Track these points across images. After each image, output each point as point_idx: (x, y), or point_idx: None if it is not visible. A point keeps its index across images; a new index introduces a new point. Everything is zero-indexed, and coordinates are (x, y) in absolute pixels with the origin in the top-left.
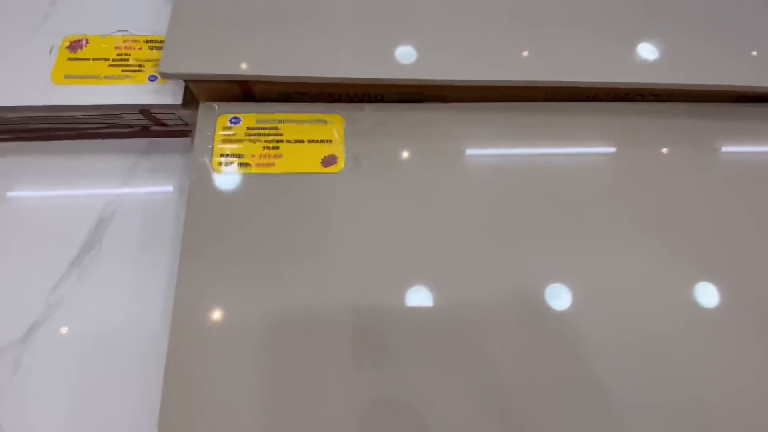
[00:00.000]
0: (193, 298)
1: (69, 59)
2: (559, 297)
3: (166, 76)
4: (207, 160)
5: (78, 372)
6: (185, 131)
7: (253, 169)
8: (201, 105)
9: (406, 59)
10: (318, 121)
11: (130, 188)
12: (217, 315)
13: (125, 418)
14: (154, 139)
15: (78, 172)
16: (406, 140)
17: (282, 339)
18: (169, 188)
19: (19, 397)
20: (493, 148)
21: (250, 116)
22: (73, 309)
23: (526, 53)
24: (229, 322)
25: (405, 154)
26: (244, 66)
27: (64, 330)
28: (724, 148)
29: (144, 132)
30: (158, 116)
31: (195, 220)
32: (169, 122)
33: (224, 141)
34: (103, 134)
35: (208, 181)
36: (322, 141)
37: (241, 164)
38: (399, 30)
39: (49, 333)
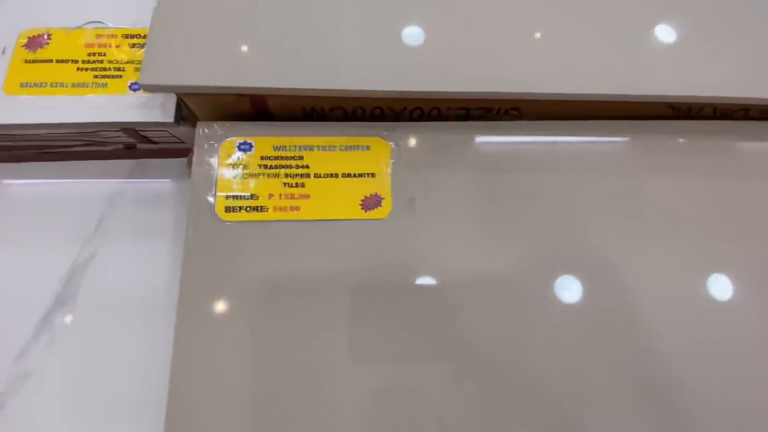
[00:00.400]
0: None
1: (26, 61)
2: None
3: (149, 88)
4: (207, 202)
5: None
6: (181, 151)
7: (272, 215)
8: (198, 125)
9: (477, 65)
10: (356, 147)
11: (109, 227)
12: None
13: None
14: (142, 160)
15: (44, 206)
16: (477, 171)
17: None
18: (160, 228)
19: None
20: (590, 178)
21: (265, 141)
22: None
23: (614, 62)
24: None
25: (476, 192)
26: (254, 75)
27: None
28: None
29: (128, 151)
30: (146, 134)
31: (191, 293)
32: (160, 139)
33: (231, 176)
34: (75, 154)
35: (209, 233)
36: (362, 175)
37: (254, 208)
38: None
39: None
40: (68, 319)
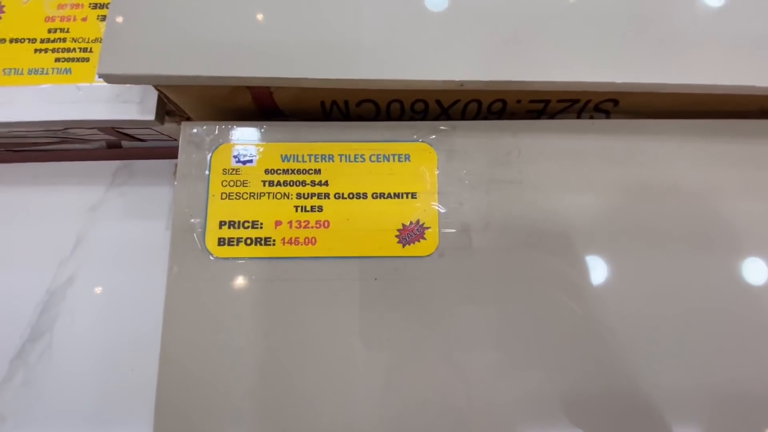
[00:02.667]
0: None
1: None
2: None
3: (111, 79)
4: (194, 231)
5: None
6: (171, 149)
7: (280, 250)
8: (183, 126)
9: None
10: (392, 156)
11: (90, 241)
12: None
13: None
14: (128, 161)
15: (16, 216)
16: (556, 188)
17: None
18: (148, 242)
19: None
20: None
21: (271, 148)
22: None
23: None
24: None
25: (553, 216)
26: (250, 61)
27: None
28: None
29: (113, 151)
30: (128, 131)
31: (173, 349)
32: (147, 137)
33: (227, 196)
34: (50, 154)
35: (197, 273)
36: (399, 195)
37: (256, 240)
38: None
39: None
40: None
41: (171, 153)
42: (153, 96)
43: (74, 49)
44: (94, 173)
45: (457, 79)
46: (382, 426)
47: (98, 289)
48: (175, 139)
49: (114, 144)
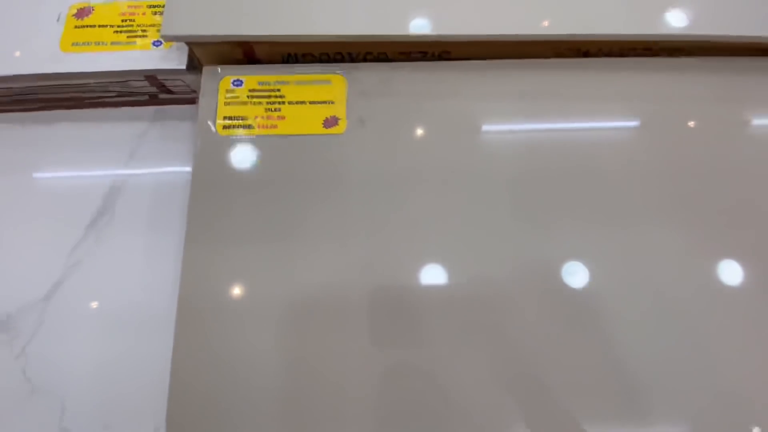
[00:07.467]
0: (200, 268)
1: (76, 27)
2: (576, 274)
3: (167, 38)
4: (211, 123)
5: (97, 326)
6: (192, 99)
7: (256, 131)
8: (204, 68)
9: (412, 15)
10: (319, 81)
11: (140, 153)
12: (224, 287)
13: (143, 374)
14: (162, 107)
15: (88, 140)
16: (412, 99)
17: (294, 312)
18: (178, 153)
19: (44, 349)
20: (504, 108)
21: (252, 78)
22: (91, 269)
23: (533, 5)
24: (238, 293)
25: (411, 114)
26: (245, 26)
27: (82, 289)
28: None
29: (152, 100)
30: (165, 83)
31: (200, 185)
32: (176, 89)
33: (227, 103)
34: (111, 103)
35: (213, 144)
36: (323, 102)
37: (244, 126)
38: None
39: (69, 291)
40: (109, 224)
41: (192, 101)
42: (184, 55)
43: (137, 30)
44: (140, 114)
45: (343, 33)
46: None
47: (145, 186)
48: (195, 91)
49: (153, 96)
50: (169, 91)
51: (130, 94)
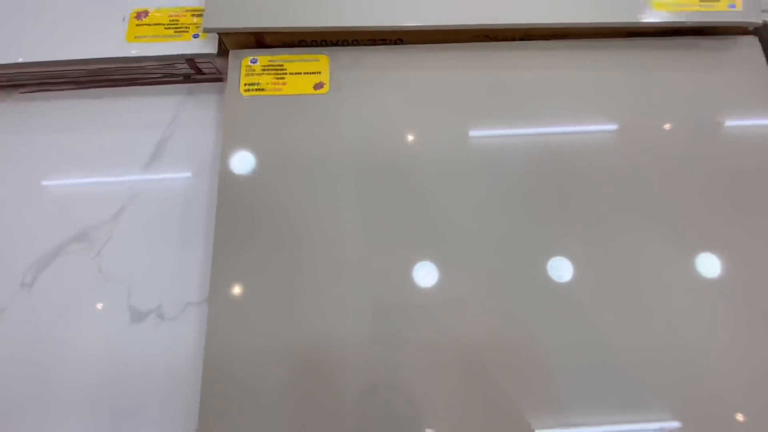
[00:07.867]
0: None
1: (137, 25)
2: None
3: (207, 30)
4: (236, 88)
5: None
6: (218, 78)
7: (267, 92)
8: (231, 52)
9: (374, 10)
10: (311, 59)
11: (182, 115)
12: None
13: (188, 273)
14: (195, 84)
15: (143, 107)
16: (376, 72)
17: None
18: (209, 114)
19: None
20: (445, 77)
21: (264, 57)
22: (148, 197)
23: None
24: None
25: (374, 83)
26: (258, 21)
27: (141, 213)
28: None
29: (186, 80)
30: (199, 65)
31: (231, 132)
32: (207, 71)
33: (247, 74)
34: (158, 82)
35: (239, 102)
36: (313, 73)
37: (258, 89)
38: None
39: (131, 215)
40: (163, 163)
41: (218, 80)
42: (215, 43)
43: (181, 27)
44: (179, 89)
45: (327, 25)
46: None
47: (186, 134)
48: (220, 71)
49: (188, 76)
50: (201, 72)
51: (171, 75)
